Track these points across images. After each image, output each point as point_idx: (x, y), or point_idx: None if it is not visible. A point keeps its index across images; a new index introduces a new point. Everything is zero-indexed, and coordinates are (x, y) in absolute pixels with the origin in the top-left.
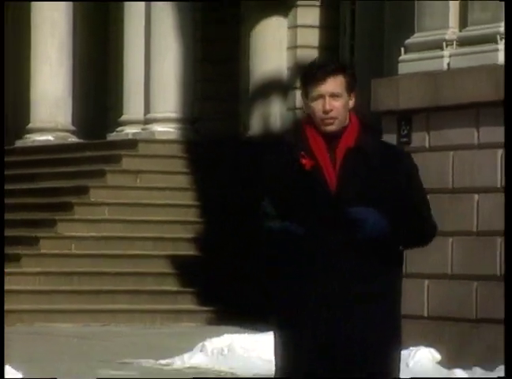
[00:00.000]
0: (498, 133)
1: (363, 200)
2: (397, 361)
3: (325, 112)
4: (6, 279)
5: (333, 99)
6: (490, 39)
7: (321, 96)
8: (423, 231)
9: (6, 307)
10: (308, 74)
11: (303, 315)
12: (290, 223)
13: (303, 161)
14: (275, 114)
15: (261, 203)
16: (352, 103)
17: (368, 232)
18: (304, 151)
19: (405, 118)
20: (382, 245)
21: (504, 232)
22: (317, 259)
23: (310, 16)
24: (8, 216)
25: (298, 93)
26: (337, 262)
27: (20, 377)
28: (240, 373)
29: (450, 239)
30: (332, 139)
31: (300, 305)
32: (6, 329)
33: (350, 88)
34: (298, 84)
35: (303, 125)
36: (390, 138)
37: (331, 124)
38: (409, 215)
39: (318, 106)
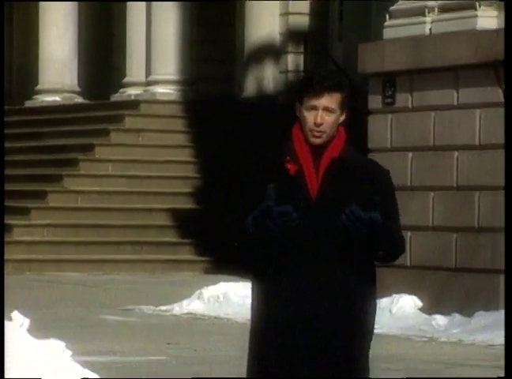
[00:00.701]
0: (476, 94)
1: (341, 208)
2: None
3: (316, 124)
4: (16, 230)
5: (326, 113)
6: (469, 6)
7: (315, 108)
8: (396, 246)
9: (16, 257)
10: (307, 84)
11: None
12: (276, 248)
13: (288, 166)
14: (268, 76)
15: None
16: (342, 118)
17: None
18: (290, 156)
19: (390, 80)
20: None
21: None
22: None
23: None
24: (17, 172)
25: (290, 57)
26: (317, 270)
27: (28, 322)
28: (235, 319)
29: (431, 193)
30: (318, 147)
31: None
32: (17, 277)
33: (343, 105)
34: (289, 48)
35: (292, 129)
36: (376, 99)
37: (319, 137)
38: (381, 230)
39: (310, 116)
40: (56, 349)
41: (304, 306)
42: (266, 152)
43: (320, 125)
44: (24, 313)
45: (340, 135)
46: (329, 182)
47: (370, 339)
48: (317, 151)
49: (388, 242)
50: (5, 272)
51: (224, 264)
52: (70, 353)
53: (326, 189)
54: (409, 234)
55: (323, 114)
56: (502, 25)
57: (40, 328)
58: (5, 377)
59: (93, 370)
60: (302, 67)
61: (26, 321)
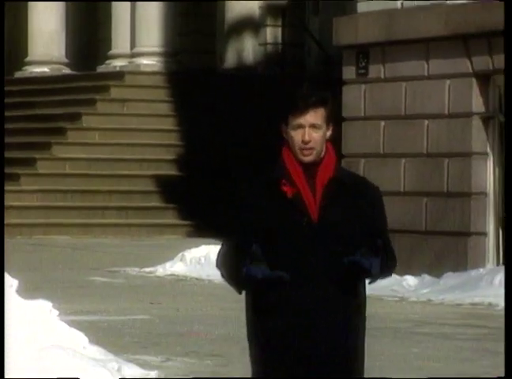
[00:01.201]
0: (445, 66)
1: (344, 229)
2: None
3: (304, 142)
4: (7, 196)
5: (313, 130)
6: None
7: (302, 126)
8: (390, 262)
9: (7, 221)
10: (290, 103)
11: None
12: (274, 269)
13: (285, 188)
14: (248, 48)
15: (252, 247)
16: (329, 133)
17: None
18: (285, 178)
19: (363, 52)
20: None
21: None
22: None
23: None
24: (8, 140)
25: (268, 30)
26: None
27: (16, 283)
28: (215, 280)
29: (403, 160)
30: (310, 167)
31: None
32: (8, 241)
33: (329, 119)
34: (268, 21)
35: (282, 151)
36: (350, 70)
37: (309, 155)
38: (386, 248)
39: (297, 135)
40: (43, 309)
41: (302, 322)
42: (257, 173)
43: (308, 142)
44: (14, 275)
45: (330, 153)
46: (329, 202)
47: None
48: (309, 170)
49: (384, 272)
50: None
51: (205, 227)
52: (57, 313)
53: (327, 209)
54: (384, 198)
55: (310, 131)
56: None
57: (29, 289)
58: None
59: (80, 329)
60: (280, 39)
61: (15, 282)
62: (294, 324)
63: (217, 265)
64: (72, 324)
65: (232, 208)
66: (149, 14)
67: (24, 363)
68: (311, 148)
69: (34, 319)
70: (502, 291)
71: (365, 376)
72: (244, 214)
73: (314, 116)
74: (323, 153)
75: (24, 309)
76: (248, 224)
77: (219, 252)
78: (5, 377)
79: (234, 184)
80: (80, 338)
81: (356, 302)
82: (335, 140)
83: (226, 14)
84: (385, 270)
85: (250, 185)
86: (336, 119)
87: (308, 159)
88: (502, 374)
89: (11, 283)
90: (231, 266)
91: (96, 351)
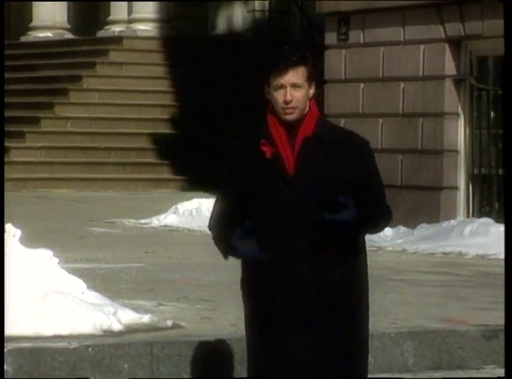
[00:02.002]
0: (420, 32)
1: (321, 187)
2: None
3: (286, 102)
4: (13, 152)
5: (294, 89)
6: None
7: (283, 86)
8: (379, 216)
9: (13, 176)
10: (271, 64)
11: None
12: (258, 246)
13: (264, 148)
14: (237, 15)
15: (244, 224)
16: (311, 92)
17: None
18: (265, 138)
19: (344, 19)
20: (347, 231)
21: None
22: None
23: None
24: (14, 100)
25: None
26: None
27: (19, 233)
28: (205, 231)
29: (380, 120)
30: (292, 127)
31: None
32: (14, 194)
33: (310, 78)
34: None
35: (266, 114)
36: (331, 36)
37: (291, 113)
38: (367, 200)
39: (279, 95)
40: (44, 257)
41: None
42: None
43: (290, 102)
44: (18, 226)
45: (311, 112)
46: (305, 160)
47: (367, 308)
48: (291, 131)
49: (368, 225)
50: (5, 190)
51: (197, 182)
52: (57, 260)
53: (303, 167)
54: None
55: (291, 90)
56: None
57: (31, 239)
58: None
59: (79, 276)
60: (267, 7)
61: (18, 232)
62: (279, 292)
63: (209, 227)
64: (71, 271)
65: (220, 167)
66: None
67: (25, 307)
68: (293, 108)
69: (35, 266)
70: (471, 241)
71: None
72: (229, 175)
73: (295, 75)
74: (306, 112)
75: (26, 257)
76: (233, 186)
77: (211, 214)
78: (8, 319)
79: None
80: (79, 284)
81: (348, 263)
82: (318, 102)
83: None
84: (370, 220)
85: (234, 147)
86: (319, 81)
87: (291, 117)
88: (470, 319)
89: (14, 233)
90: (221, 234)
91: (94, 297)
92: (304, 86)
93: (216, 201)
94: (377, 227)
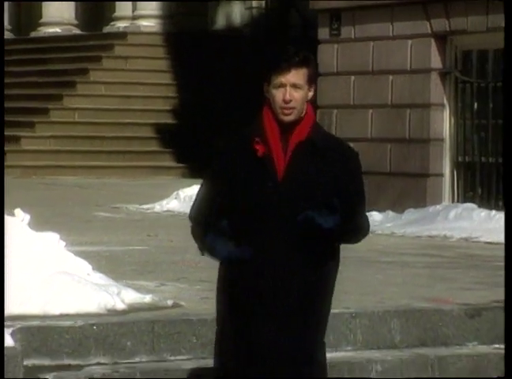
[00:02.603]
0: (407, 27)
1: (307, 192)
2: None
3: (285, 101)
4: (24, 141)
5: (294, 89)
6: None
7: (283, 85)
8: (359, 228)
9: (24, 163)
10: (273, 62)
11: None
12: (237, 246)
13: (257, 147)
14: (236, 12)
15: (221, 222)
16: (310, 94)
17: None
18: (259, 137)
19: (336, 15)
20: (327, 239)
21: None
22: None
23: None
24: (24, 92)
25: None
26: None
27: (28, 217)
28: None
29: (370, 110)
30: (287, 129)
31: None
32: (24, 181)
33: (311, 80)
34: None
35: (263, 109)
36: (324, 31)
37: (289, 114)
38: (350, 211)
39: (278, 94)
40: (52, 240)
41: (265, 285)
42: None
43: (289, 101)
44: (26, 211)
45: (308, 116)
46: (296, 164)
47: (328, 311)
48: (286, 132)
49: (348, 235)
50: (15, 177)
51: (197, 169)
52: (64, 243)
53: (293, 170)
54: (352, 144)
55: (291, 90)
56: None
57: (40, 223)
58: (6, 264)
59: (84, 258)
60: (264, 4)
61: (26, 217)
62: (256, 288)
63: (189, 217)
64: (77, 253)
65: (211, 157)
66: None
67: (34, 288)
68: (292, 108)
69: (43, 249)
70: (455, 225)
71: (333, 299)
72: (218, 168)
73: (296, 76)
74: (303, 114)
75: (34, 240)
76: (221, 180)
77: (193, 203)
78: (17, 299)
79: (220, 132)
80: (84, 266)
81: (321, 267)
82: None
83: None
84: (349, 232)
85: (226, 142)
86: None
87: (288, 118)
88: (454, 298)
89: (23, 217)
90: (199, 229)
91: (99, 277)
92: (304, 88)
93: (199, 191)
94: (354, 238)
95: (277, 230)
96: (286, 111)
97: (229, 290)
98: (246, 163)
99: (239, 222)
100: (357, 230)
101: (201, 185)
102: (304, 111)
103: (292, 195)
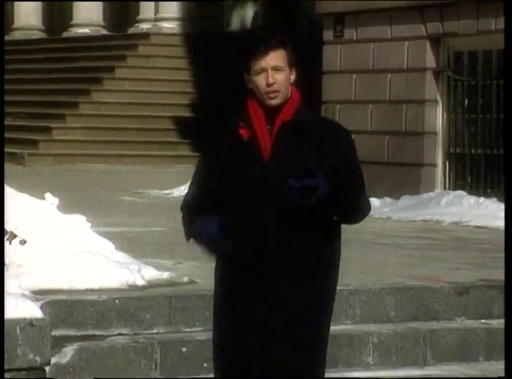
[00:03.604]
0: (404, 30)
1: (295, 172)
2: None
3: (268, 85)
4: (55, 132)
5: (276, 72)
6: None
7: (264, 70)
8: (357, 206)
9: (55, 152)
10: (250, 49)
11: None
12: (218, 233)
13: (241, 131)
14: (248, 15)
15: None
16: (292, 77)
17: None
18: (243, 121)
19: (339, 19)
20: (319, 213)
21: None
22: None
23: None
24: (56, 87)
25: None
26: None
27: (57, 201)
28: None
29: (370, 106)
30: (273, 112)
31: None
32: (55, 168)
33: (291, 61)
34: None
35: (247, 100)
36: (329, 33)
37: (275, 97)
38: (345, 190)
39: (261, 79)
40: (78, 222)
41: (253, 273)
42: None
43: (272, 84)
44: (56, 195)
45: (293, 97)
46: (282, 145)
47: (332, 301)
48: (272, 115)
49: (345, 205)
50: (47, 164)
51: None
52: (90, 225)
53: (278, 152)
54: (353, 136)
55: (273, 73)
56: None
57: (68, 206)
58: (36, 242)
59: (108, 238)
60: (274, 8)
61: (56, 200)
62: (243, 273)
63: (181, 208)
64: (102, 234)
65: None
66: None
67: (62, 265)
68: (276, 91)
69: (70, 230)
70: (447, 210)
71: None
72: (207, 157)
73: (276, 58)
74: (288, 97)
75: (62, 221)
76: (207, 167)
77: (185, 195)
78: (46, 276)
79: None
80: (108, 245)
81: (318, 244)
82: (317, 90)
83: None
84: (347, 208)
85: (216, 131)
86: (314, 72)
87: (275, 101)
88: (445, 277)
89: (52, 201)
90: (188, 216)
91: (121, 256)
92: (285, 70)
93: (191, 183)
94: (354, 215)
95: (266, 212)
96: (271, 95)
97: (220, 272)
98: (233, 149)
99: (227, 207)
100: (357, 204)
101: (192, 177)
102: (289, 93)
103: (279, 176)
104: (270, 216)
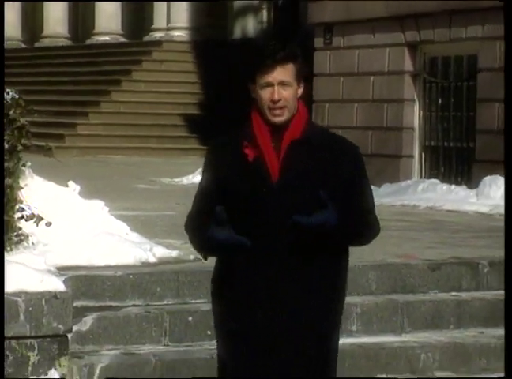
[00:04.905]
0: (386, 38)
1: (305, 192)
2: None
3: (274, 101)
4: (79, 127)
5: (283, 87)
6: None
7: (270, 84)
8: (366, 225)
9: (80, 145)
10: (256, 61)
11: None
12: (236, 233)
13: (246, 151)
14: (249, 25)
15: (216, 209)
16: (300, 91)
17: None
18: (248, 140)
19: (329, 28)
20: (328, 238)
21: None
22: (260, 264)
23: None
24: (79, 88)
25: (264, 12)
26: (282, 268)
27: (79, 188)
28: None
29: (355, 104)
30: (279, 129)
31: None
32: (79, 159)
33: (299, 76)
34: (264, 6)
35: (251, 111)
36: (319, 40)
37: (279, 115)
38: (353, 211)
39: (266, 94)
40: (97, 206)
41: (264, 296)
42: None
43: (278, 101)
44: (78, 183)
45: (300, 114)
46: (291, 165)
47: (339, 325)
48: (277, 132)
49: (353, 232)
50: (72, 156)
51: None
52: (108, 209)
53: (287, 173)
54: (340, 132)
55: (279, 89)
56: None
57: (89, 192)
58: (60, 224)
59: (124, 221)
60: (272, 19)
61: (77, 187)
62: (253, 300)
63: (185, 229)
64: (118, 217)
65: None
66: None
67: (82, 244)
68: (282, 108)
69: (90, 214)
70: (423, 196)
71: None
72: (208, 176)
73: (283, 73)
74: (294, 112)
75: (83, 206)
76: (211, 187)
77: (188, 214)
78: (68, 254)
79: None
80: (124, 227)
81: (327, 274)
82: (307, 91)
83: (235, 1)
84: (358, 232)
85: (214, 147)
86: (308, 77)
87: (279, 119)
88: (420, 255)
89: (74, 187)
90: (196, 228)
91: (135, 237)
92: (293, 85)
93: (194, 201)
94: (363, 237)
95: (277, 236)
96: (276, 112)
97: (226, 292)
98: (238, 169)
99: (235, 229)
100: (366, 229)
101: (195, 197)
102: (296, 109)
103: (289, 199)
104: (279, 241)
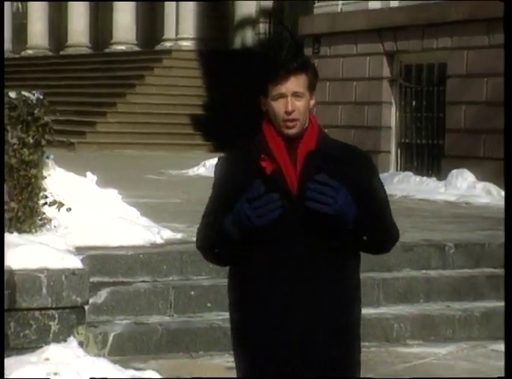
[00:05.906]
0: (367, 48)
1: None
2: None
3: (288, 113)
4: (98, 125)
5: (296, 99)
6: None
7: (283, 96)
8: (388, 231)
9: (98, 141)
10: (269, 71)
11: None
12: (254, 245)
13: (264, 164)
14: (248, 36)
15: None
16: (312, 103)
17: (337, 207)
18: (264, 153)
19: (317, 39)
20: (347, 235)
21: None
22: (280, 270)
23: None
24: (98, 91)
25: (261, 25)
26: (301, 273)
27: (95, 178)
28: None
29: (340, 106)
30: (292, 140)
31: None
32: (98, 153)
33: (311, 87)
34: (261, 19)
35: (262, 124)
36: (308, 50)
37: (293, 127)
38: (371, 219)
39: (279, 106)
40: (112, 194)
41: (285, 303)
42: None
43: (291, 112)
44: (96, 173)
45: (313, 124)
46: (309, 176)
47: (358, 327)
48: (291, 144)
49: (375, 229)
50: (92, 150)
51: (219, 146)
52: (121, 197)
53: (306, 182)
54: (326, 130)
55: (293, 100)
56: (385, 5)
57: (105, 182)
58: (79, 209)
59: (135, 207)
60: (268, 31)
61: (94, 178)
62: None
63: (197, 246)
64: (130, 203)
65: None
66: (188, 14)
67: (98, 227)
68: (295, 120)
69: (106, 200)
70: (398, 187)
71: None
72: (219, 192)
73: (296, 83)
74: (306, 125)
75: (99, 194)
76: (224, 203)
77: (198, 231)
78: (85, 236)
79: (237, 121)
80: (135, 212)
81: (347, 280)
82: None
83: (235, 15)
84: (380, 240)
85: (226, 161)
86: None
87: (292, 131)
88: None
89: (92, 178)
90: (210, 254)
91: (145, 221)
92: (305, 96)
93: (203, 217)
94: (385, 243)
95: (301, 250)
96: (289, 124)
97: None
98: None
99: (251, 246)
100: (388, 236)
101: (205, 213)
102: (307, 122)
103: (311, 210)
104: (299, 252)
